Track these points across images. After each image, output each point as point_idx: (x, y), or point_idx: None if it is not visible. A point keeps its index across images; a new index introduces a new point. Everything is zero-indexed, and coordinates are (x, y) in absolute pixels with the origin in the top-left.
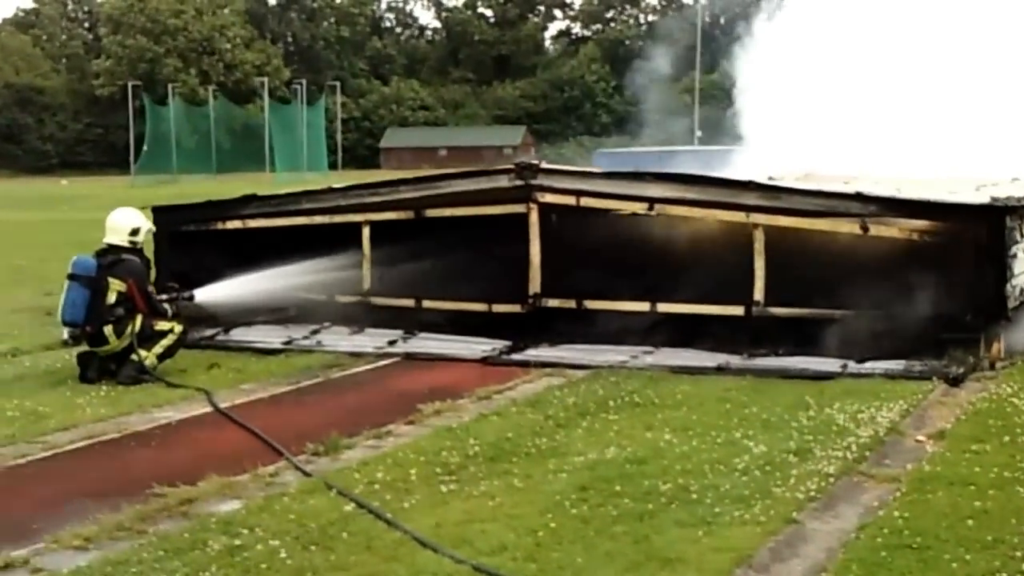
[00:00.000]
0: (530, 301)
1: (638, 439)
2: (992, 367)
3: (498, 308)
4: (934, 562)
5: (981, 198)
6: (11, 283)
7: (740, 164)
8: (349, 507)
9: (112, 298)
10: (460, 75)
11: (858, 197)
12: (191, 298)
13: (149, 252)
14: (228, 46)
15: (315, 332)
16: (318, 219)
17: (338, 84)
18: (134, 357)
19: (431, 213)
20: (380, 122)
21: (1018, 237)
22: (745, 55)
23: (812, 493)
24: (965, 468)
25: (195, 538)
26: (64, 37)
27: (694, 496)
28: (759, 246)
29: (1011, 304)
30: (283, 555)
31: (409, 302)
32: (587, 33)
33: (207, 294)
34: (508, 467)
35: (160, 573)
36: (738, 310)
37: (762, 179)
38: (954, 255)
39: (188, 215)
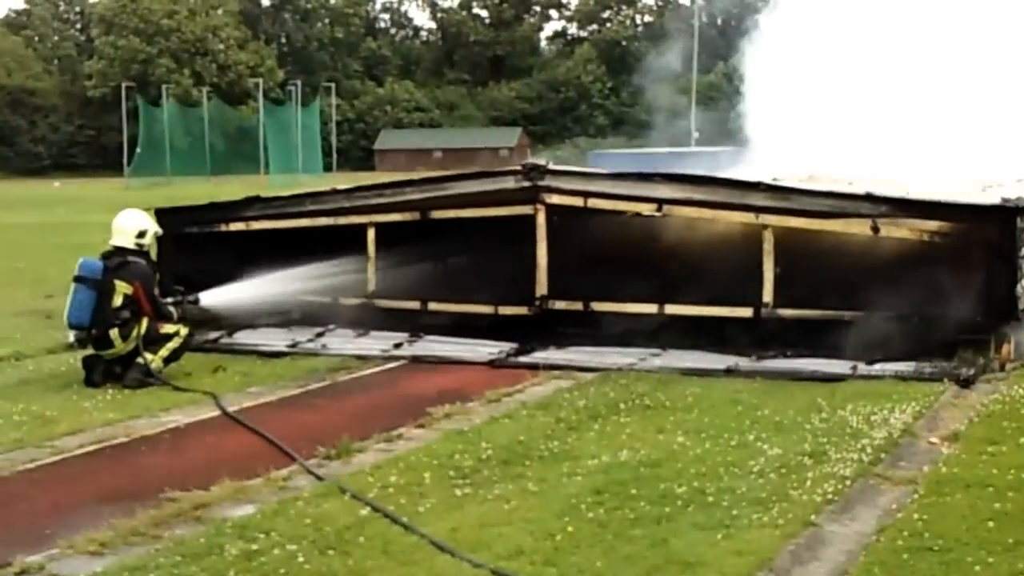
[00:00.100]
0: (537, 303)
1: (651, 442)
2: (1002, 368)
3: (504, 310)
4: (956, 565)
5: (992, 199)
6: (11, 286)
7: (740, 165)
8: (364, 511)
9: (118, 301)
10: (455, 76)
11: (869, 198)
12: (196, 301)
13: (152, 254)
14: (222, 47)
15: (320, 335)
16: (322, 221)
17: (332, 85)
18: (140, 360)
19: (436, 215)
20: (375, 124)
21: None
22: (745, 55)
23: (829, 495)
24: (982, 470)
25: (211, 543)
26: (56, 38)
27: (711, 499)
28: (768, 247)
29: (1022, 305)
30: (301, 559)
31: (414, 304)
32: (583, 34)
33: (212, 297)
34: (522, 470)
35: None
36: (747, 312)
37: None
38: (965, 256)
39: (191, 217)
